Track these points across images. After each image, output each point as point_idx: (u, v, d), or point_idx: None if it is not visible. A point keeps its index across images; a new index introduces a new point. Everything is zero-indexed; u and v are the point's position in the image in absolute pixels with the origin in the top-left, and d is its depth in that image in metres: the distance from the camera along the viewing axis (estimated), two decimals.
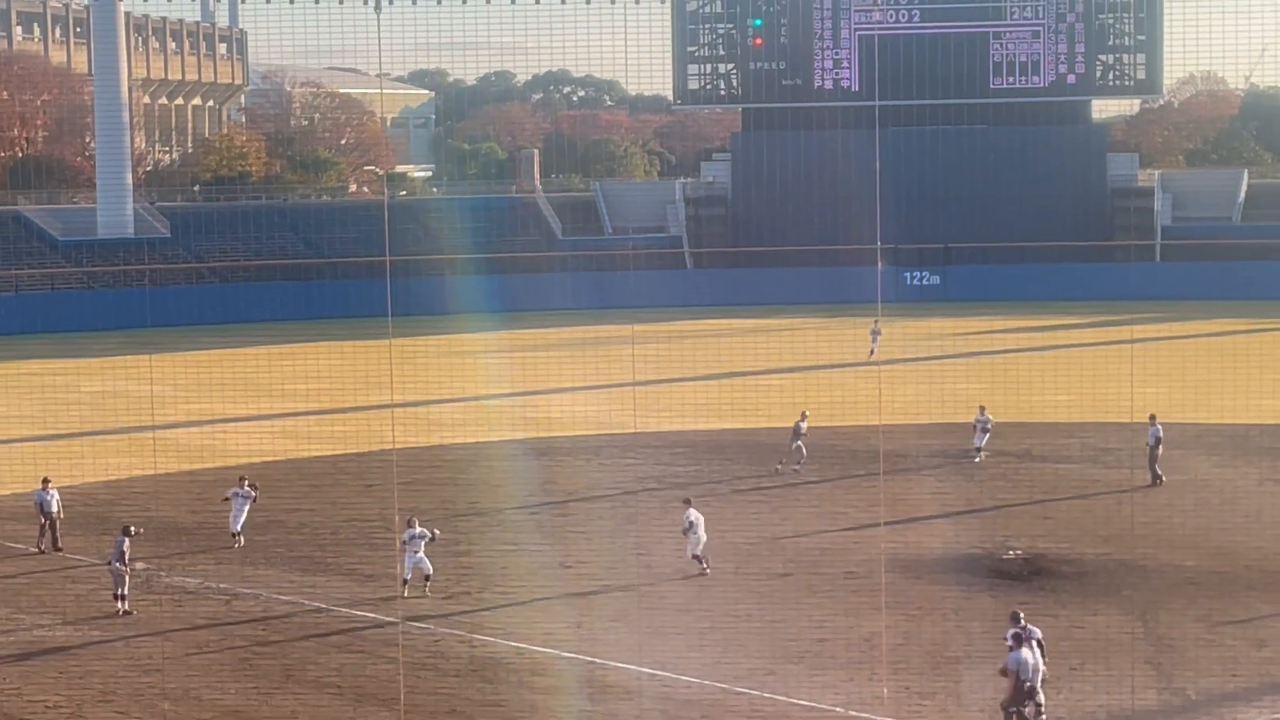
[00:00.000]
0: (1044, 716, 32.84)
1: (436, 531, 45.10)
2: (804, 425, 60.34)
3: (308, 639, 40.62)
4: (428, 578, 44.10)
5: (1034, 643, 33.17)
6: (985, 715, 33.81)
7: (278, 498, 57.11)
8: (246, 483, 50.64)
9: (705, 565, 45.46)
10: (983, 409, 62.38)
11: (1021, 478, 58.56)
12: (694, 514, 45.90)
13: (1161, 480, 56.10)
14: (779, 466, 60.05)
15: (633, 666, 37.21)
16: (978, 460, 60.81)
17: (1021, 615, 34.22)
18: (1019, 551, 47.38)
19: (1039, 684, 32.66)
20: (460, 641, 39.95)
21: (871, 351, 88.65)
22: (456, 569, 46.63)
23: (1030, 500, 54.97)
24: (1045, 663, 33.25)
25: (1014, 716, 32.64)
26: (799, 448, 59.91)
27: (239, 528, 49.74)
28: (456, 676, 37.37)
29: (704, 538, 45.76)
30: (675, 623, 40.91)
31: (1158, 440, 56.52)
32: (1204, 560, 46.04)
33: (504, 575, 45.94)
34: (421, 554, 43.88)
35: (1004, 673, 32.61)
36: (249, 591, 45.06)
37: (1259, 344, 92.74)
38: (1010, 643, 33.00)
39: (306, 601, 43.97)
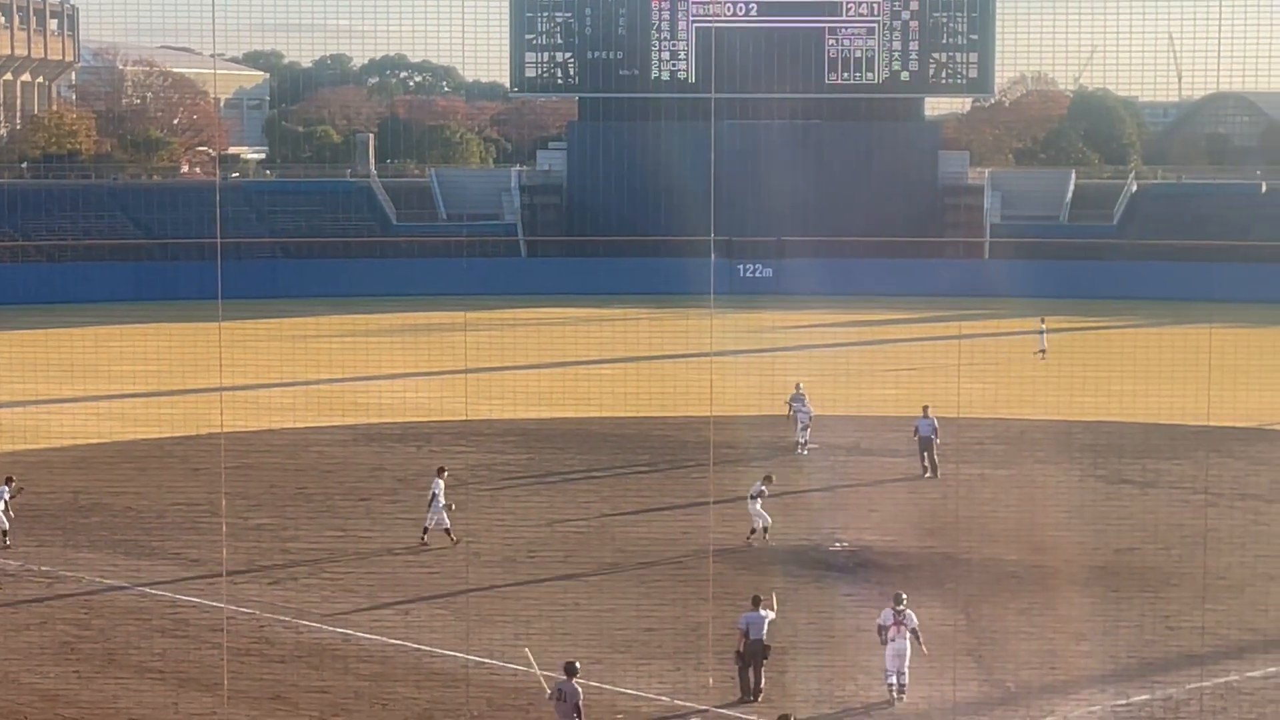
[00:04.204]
0: (904, 697, 34.11)
1: (770, 480, 48.71)
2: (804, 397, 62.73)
3: (131, 623, 40.17)
4: (766, 529, 47.44)
5: (910, 630, 34.12)
6: (810, 705, 34.13)
7: (103, 480, 56.48)
8: (13, 482, 48.45)
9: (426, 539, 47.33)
10: (799, 385, 63.14)
11: (849, 470, 59.08)
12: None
13: (936, 473, 56.82)
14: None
15: (459, 654, 37.14)
16: (804, 453, 61.27)
17: (904, 597, 34.97)
18: (845, 543, 47.87)
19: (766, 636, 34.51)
20: (286, 627, 39.68)
21: (1042, 351, 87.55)
22: (283, 555, 46.40)
23: (857, 492, 55.49)
24: (924, 651, 34.56)
25: (747, 672, 34.42)
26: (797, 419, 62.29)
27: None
28: (282, 662, 37.12)
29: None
30: (503, 610, 40.89)
31: (934, 430, 57.13)
32: (1026, 554, 46.68)
33: (331, 561, 45.73)
34: (759, 506, 47.35)
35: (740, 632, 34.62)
36: (71, 574, 44.48)
37: (1082, 342, 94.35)
38: (750, 606, 35.13)
39: (130, 585, 43.49)
